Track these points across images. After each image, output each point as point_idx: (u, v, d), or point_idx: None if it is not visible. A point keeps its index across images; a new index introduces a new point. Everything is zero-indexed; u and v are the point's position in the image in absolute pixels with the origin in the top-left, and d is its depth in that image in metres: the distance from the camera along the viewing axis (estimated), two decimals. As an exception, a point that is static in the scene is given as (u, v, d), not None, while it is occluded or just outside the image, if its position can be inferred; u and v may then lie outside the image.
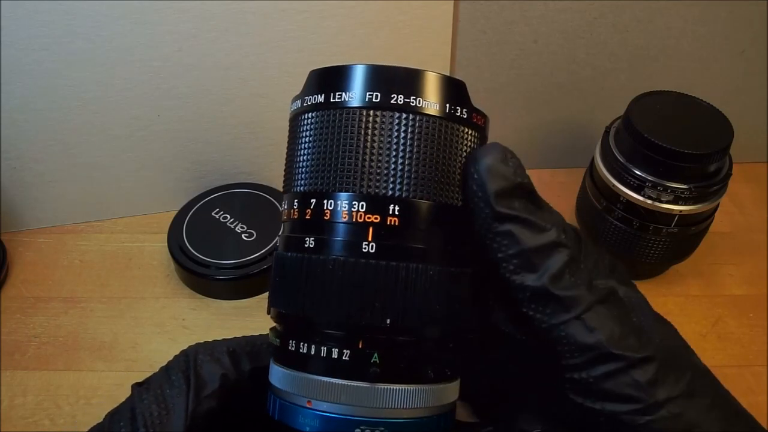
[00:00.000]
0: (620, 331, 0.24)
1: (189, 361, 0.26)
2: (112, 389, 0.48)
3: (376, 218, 0.23)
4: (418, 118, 0.23)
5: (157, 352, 0.50)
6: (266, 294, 0.54)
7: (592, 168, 0.54)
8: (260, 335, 0.29)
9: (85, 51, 0.50)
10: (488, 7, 0.55)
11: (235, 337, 0.28)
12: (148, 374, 0.27)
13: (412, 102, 0.23)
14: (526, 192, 0.24)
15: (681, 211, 0.49)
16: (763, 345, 0.52)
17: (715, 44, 0.59)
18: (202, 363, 0.26)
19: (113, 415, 0.25)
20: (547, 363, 0.25)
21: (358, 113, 0.23)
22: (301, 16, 0.51)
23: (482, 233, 0.24)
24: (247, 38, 0.52)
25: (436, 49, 0.56)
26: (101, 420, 0.26)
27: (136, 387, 0.26)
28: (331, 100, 0.24)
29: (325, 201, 0.23)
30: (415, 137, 0.23)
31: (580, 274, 0.24)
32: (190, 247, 0.55)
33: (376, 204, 0.23)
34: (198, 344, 0.28)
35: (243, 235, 0.56)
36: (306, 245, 0.24)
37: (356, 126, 0.23)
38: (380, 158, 0.23)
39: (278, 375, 0.24)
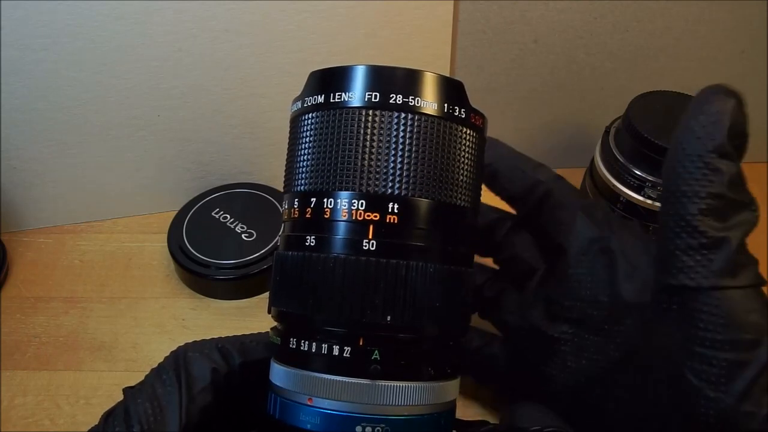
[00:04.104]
0: None
1: (179, 359, 0.27)
2: (112, 389, 0.48)
3: (375, 216, 0.23)
4: (416, 117, 0.23)
5: (157, 352, 0.50)
6: (266, 294, 0.54)
7: (592, 168, 0.54)
8: (251, 334, 0.29)
9: (85, 51, 0.50)
10: (488, 7, 0.55)
11: (224, 336, 0.29)
12: (148, 374, 0.27)
13: (411, 102, 0.23)
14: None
15: (681, 210, 0.49)
16: (763, 345, 0.52)
17: (715, 44, 0.59)
18: (192, 360, 0.27)
19: (108, 416, 0.25)
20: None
21: (357, 113, 0.23)
22: (301, 16, 0.51)
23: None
24: (247, 38, 0.52)
25: (436, 49, 0.56)
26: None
27: (129, 390, 0.26)
28: (331, 101, 0.24)
29: (326, 200, 0.23)
30: (414, 136, 0.23)
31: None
32: (190, 247, 0.55)
33: (376, 202, 0.23)
34: (187, 343, 0.28)
35: (243, 235, 0.56)
36: (307, 244, 0.24)
37: (356, 125, 0.23)
38: (379, 157, 0.23)
39: (279, 373, 0.24)
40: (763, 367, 0.23)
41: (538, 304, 0.33)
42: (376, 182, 0.23)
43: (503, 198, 0.36)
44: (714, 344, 0.23)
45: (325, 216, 0.23)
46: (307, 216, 0.24)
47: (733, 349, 0.23)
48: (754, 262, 0.25)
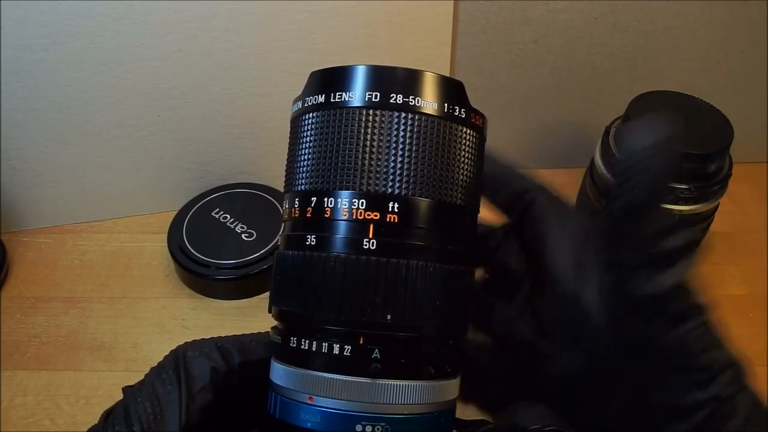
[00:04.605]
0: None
1: (179, 358, 0.27)
2: (112, 389, 0.48)
3: (376, 215, 0.23)
4: (416, 117, 0.23)
5: (157, 352, 0.50)
6: (266, 294, 0.54)
7: (592, 168, 0.54)
8: (250, 334, 0.29)
9: (85, 51, 0.50)
10: (488, 7, 0.55)
11: (224, 336, 0.29)
12: (148, 374, 0.27)
13: (411, 101, 0.23)
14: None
15: (681, 211, 0.49)
16: (763, 345, 0.52)
17: (715, 44, 0.59)
18: (192, 359, 0.27)
19: (108, 416, 0.25)
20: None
21: (358, 113, 0.23)
22: (301, 16, 0.51)
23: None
24: (247, 38, 0.52)
25: (436, 49, 0.56)
26: (101, 420, 0.26)
27: (128, 389, 0.26)
28: (332, 100, 0.24)
29: (326, 199, 0.23)
30: (414, 136, 0.23)
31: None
32: (190, 247, 0.55)
33: (376, 201, 0.23)
34: (186, 342, 0.28)
35: (243, 235, 0.56)
36: (307, 243, 0.24)
37: (356, 125, 0.23)
38: (380, 157, 0.23)
39: (279, 372, 0.24)
40: (716, 401, 0.24)
41: (524, 317, 0.33)
42: (377, 182, 0.23)
43: (495, 207, 0.36)
44: (673, 384, 0.25)
45: (326, 215, 0.23)
46: (308, 215, 0.24)
47: (691, 388, 0.24)
48: (705, 301, 0.26)
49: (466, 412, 0.41)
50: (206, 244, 0.55)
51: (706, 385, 0.24)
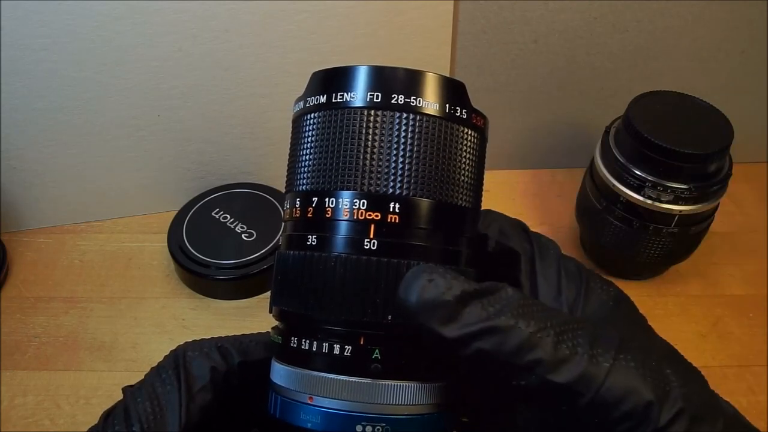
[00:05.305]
0: (649, 385, 0.21)
1: (178, 358, 0.27)
2: (112, 389, 0.48)
3: (377, 215, 0.23)
4: (418, 117, 0.23)
5: (157, 352, 0.50)
6: (266, 294, 0.54)
7: (592, 168, 0.54)
8: (250, 334, 0.29)
9: (85, 51, 0.50)
10: (488, 7, 0.55)
11: (224, 336, 0.29)
12: (148, 375, 0.27)
13: (413, 102, 0.23)
14: (471, 294, 0.21)
15: (681, 211, 0.49)
16: (763, 345, 0.52)
17: (715, 44, 0.59)
18: (192, 359, 0.27)
19: (108, 416, 0.25)
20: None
21: (359, 113, 0.23)
22: (301, 16, 0.51)
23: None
24: (247, 38, 0.52)
25: (436, 49, 0.56)
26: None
27: (128, 389, 0.26)
28: (333, 101, 0.24)
29: (327, 199, 0.23)
30: (415, 136, 0.23)
31: (579, 340, 0.21)
32: (190, 247, 0.55)
33: (377, 201, 0.23)
34: (186, 343, 0.28)
35: (243, 235, 0.56)
36: (308, 243, 0.24)
37: (357, 125, 0.23)
38: (381, 157, 0.23)
39: (280, 372, 0.24)
40: None
41: None
42: (378, 182, 0.23)
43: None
44: None
45: (327, 215, 0.23)
46: (309, 215, 0.24)
47: None
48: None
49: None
50: (206, 244, 0.55)
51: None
